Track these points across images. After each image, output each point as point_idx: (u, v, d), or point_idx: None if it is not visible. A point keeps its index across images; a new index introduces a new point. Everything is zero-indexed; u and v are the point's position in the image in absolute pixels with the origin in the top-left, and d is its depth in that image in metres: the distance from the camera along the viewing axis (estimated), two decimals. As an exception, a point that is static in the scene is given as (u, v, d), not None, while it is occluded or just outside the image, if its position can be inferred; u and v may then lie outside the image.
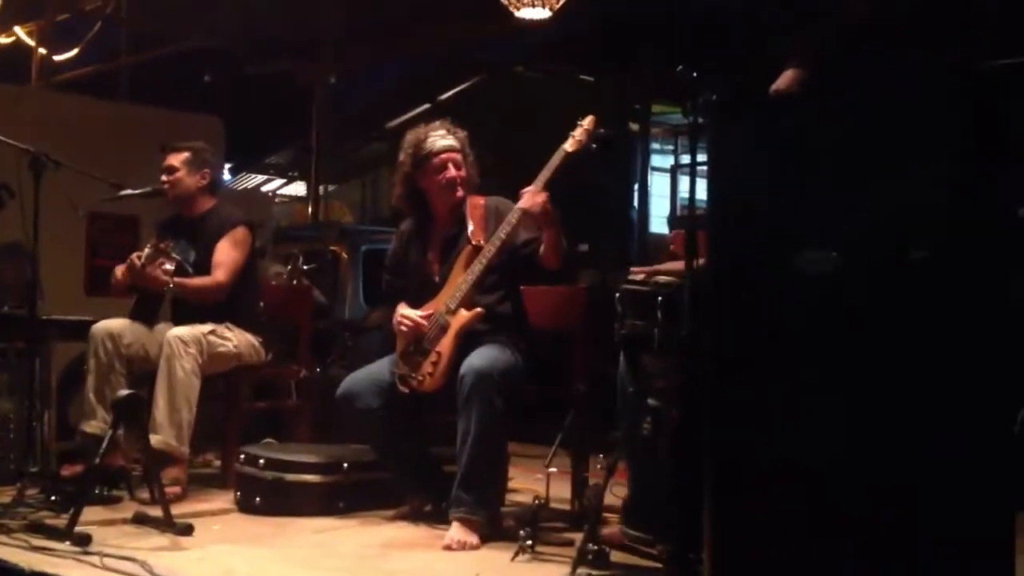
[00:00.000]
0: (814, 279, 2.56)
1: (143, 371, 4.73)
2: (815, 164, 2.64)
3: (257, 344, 4.95)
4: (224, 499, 4.55)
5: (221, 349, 4.74)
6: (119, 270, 4.78)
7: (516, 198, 4.12)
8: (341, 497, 4.37)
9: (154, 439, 4.34)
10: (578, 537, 3.49)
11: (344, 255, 8.05)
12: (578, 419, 4.31)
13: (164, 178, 4.96)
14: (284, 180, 16.62)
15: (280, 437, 5.31)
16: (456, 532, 3.82)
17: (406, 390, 4.09)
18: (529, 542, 3.56)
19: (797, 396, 2.58)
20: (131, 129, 6.83)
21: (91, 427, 4.60)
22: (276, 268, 7.19)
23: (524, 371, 4.09)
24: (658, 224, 9.80)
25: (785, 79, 3.26)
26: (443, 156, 4.25)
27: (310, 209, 11.03)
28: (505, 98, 11.82)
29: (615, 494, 3.71)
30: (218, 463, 5.12)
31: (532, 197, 3.97)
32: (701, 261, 2.94)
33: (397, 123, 12.34)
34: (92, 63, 10.00)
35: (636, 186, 9.67)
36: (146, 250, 4.59)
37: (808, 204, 2.63)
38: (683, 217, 8.49)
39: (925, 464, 2.42)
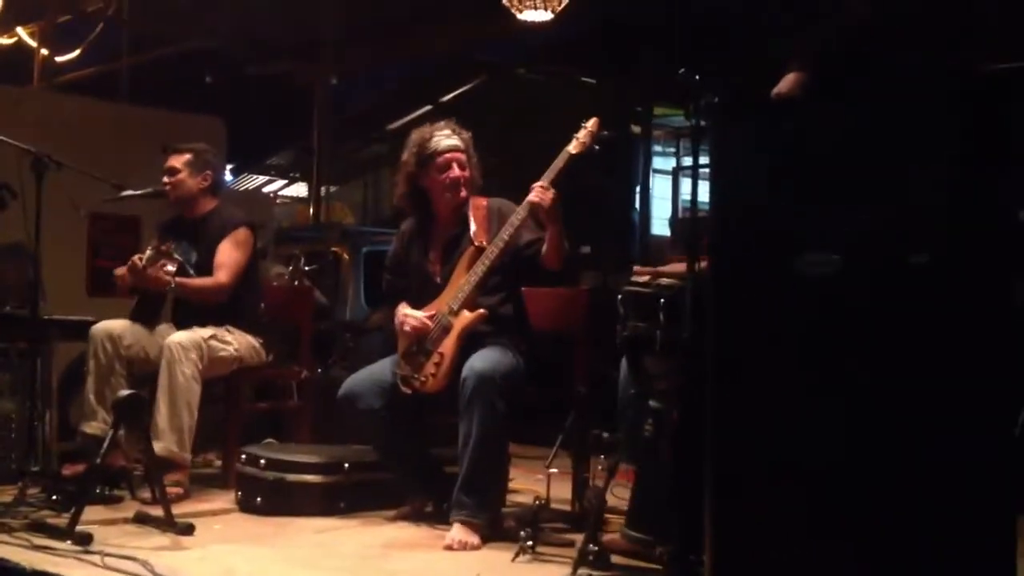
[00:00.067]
0: (815, 282, 2.57)
1: (143, 372, 4.74)
2: (816, 167, 2.64)
3: (258, 346, 4.95)
4: (225, 499, 4.56)
5: (222, 353, 4.74)
6: (120, 272, 4.78)
7: (517, 199, 4.13)
8: (342, 497, 4.37)
9: (156, 446, 4.34)
10: (579, 538, 3.50)
11: (345, 256, 8.05)
12: (579, 420, 4.32)
13: (166, 179, 4.97)
14: (285, 181, 16.62)
15: (281, 437, 5.32)
16: (457, 532, 3.83)
17: (408, 391, 4.09)
18: (530, 543, 3.57)
19: (798, 398, 2.59)
20: (133, 130, 6.83)
21: (91, 428, 4.61)
22: (277, 269, 7.20)
23: (525, 373, 4.10)
24: (659, 226, 9.80)
25: (786, 82, 3.26)
26: (447, 156, 4.25)
27: (311, 210, 11.04)
28: (506, 100, 11.82)
29: (616, 495, 3.72)
30: (219, 463, 5.12)
31: (543, 192, 3.97)
32: (703, 263, 2.95)
33: (398, 124, 12.36)
34: (93, 64, 9.99)
35: (638, 188, 9.67)
36: (147, 251, 4.59)
37: (809, 207, 2.63)
38: (685, 219, 8.51)
39: (926, 466, 2.42)
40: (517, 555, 3.57)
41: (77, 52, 9.80)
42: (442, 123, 4.34)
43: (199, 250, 4.91)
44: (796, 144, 2.68)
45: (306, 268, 6.77)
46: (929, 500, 2.41)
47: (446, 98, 12.28)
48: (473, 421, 3.87)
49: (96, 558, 3.42)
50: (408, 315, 4.18)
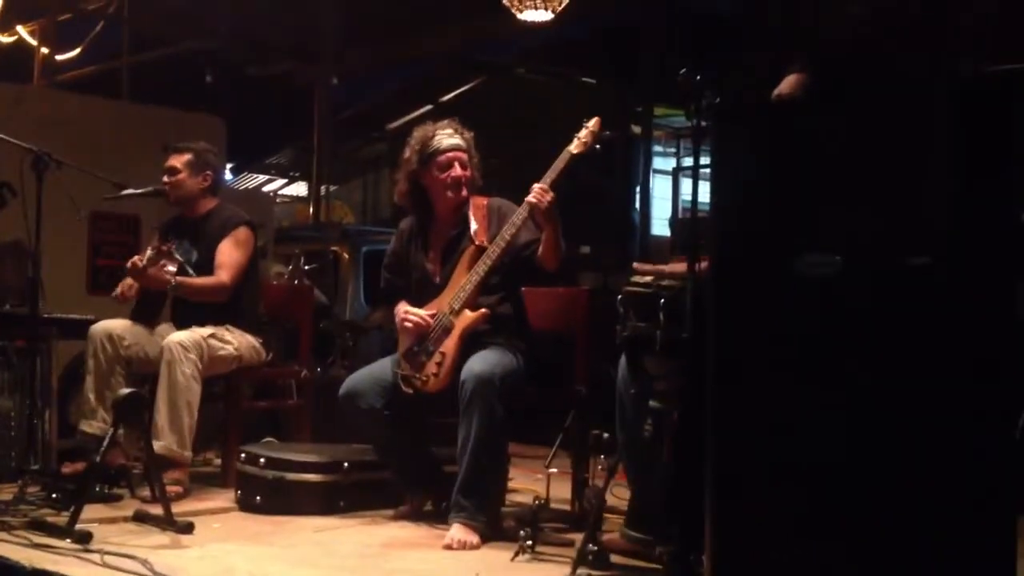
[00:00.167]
0: (815, 282, 2.57)
1: (143, 372, 4.74)
2: (817, 168, 2.64)
3: (258, 345, 4.95)
4: (225, 498, 4.56)
5: (222, 353, 4.74)
6: (124, 285, 4.77)
7: (517, 199, 4.13)
8: (341, 496, 4.37)
9: (156, 445, 4.34)
10: (578, 537, 3.50)
11: (345, 255, 8.07)
12: (579, 420, 4.32)
13: (166, 179, 4.97)
14: (285, 180, 16.62)
15: (281, 436, 5.32)
16: (457, 532, 3.83)
17: (409, 391, 4.09)
18: (529, 542, 3.57)
19: (798, 398, 2.58)
20: (133, 128, 6.84)
21: (91, 427, 4.61)
22: (277, 268, 7.22)
23: (524, 373, 4.10)
24: (660, 227, 9.80)
25: (788, 83, 3.26)
26: (449, 154, 4.25)
27: (311, 209, 11.05)
28: (506, 100, 11.82)
29: (615, 495, 3.72)
30: (219, 462, 5.12)
31: (542, 193, 3.97)
32: (703, 264, 2.95)
33: (398, 124, 12.36)
34: (94, 63, 10.01)
35: (638, 188, 9.66)
36: (148, 251, 4.59)
37: (810, 208, 2.63)
38: (685, 220, 8.51)
39: (926, 467, 2.42)
40: (516, 555, 3.57)
41: (78, 50, 9.82)
42: (445, 122, 4.34)
43: (199, 249, 4.91)
44: (797, 145, 2.68)
45: (306, 267, 6.77)
46: (929, 501, 2.41)
47: (446, 98, 12.29)
48: (472, 423, 3.87)
49: (96, 556, 3.42)
50: (409, 312, 4.18)
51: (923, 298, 2.45)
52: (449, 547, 3.78)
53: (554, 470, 4.39)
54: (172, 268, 4.59)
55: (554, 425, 4.41)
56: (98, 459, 3.92)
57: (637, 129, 9.52)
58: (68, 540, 3.58)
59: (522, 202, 4.06)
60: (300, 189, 15.69)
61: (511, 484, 4.61)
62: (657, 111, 9.79)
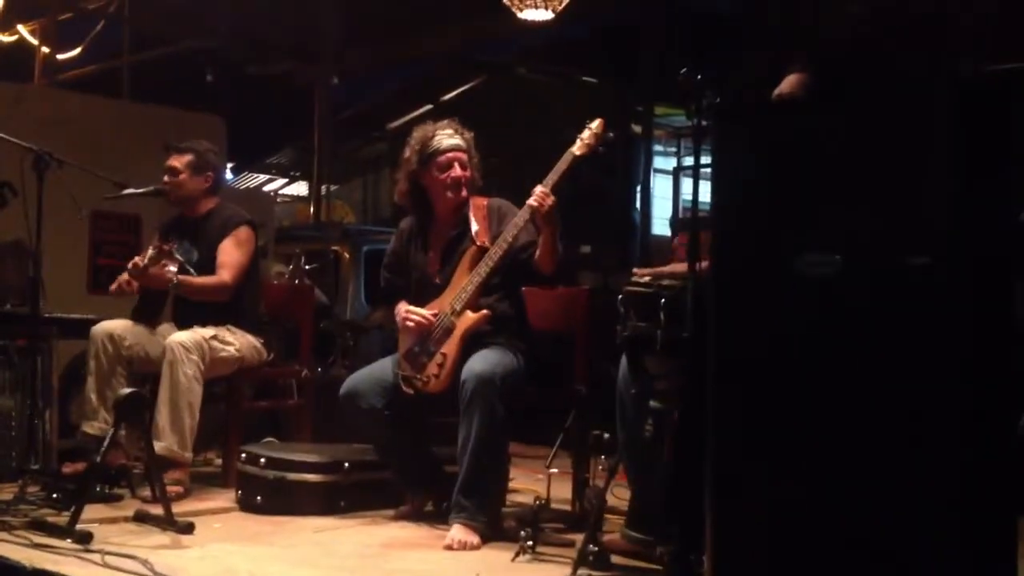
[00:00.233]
0: (815, 282, 2.57)
1: (144, 372, 4.74)
2: (817, 167, 2.64)
3: (259, 345, 4.95)
4: (225, 498, 4.56)
5: (223, 354, 4.74)
6: (123, 278, 4.77)
7: (517, 199, 4.13)
8: (342, 496, 4.38)
9: (157, 446, 4.34)
10: (579, 538, 3.51)
11: (346, 255, 8.07)
12: (579, 421, 4.32)
13: (166, 179, 4.97)
14: (286, 180, 16.61)
15: (281, 436, 5.33)
16: (457, 532, 3.83)
17: (410, 391, 4.09)
18: (530, 542, 3.57)
19: (798, 398, 2.59)
20: (134, 128, 6.84)
21: (92, 428, 4.61)
22: (278, 268, 7.22)
23: (525, 373, 4.10)
24: (660, 226, 9.80)
25: (788, 83, 3.25)
26: (449, 155, 4.25)
27: (312, 209, 11.04)
28: (507, 100, 11.82)
29: (616, 495, 3.72)
30: (219, 462, 5.12)
31: (544, 197, 3.96)
32: (704, 264, 2.95)
33: (399, 124, 12.36)
34: (95, 62, 10.01)
35: (638, 188, 9.67)
36: (149, 251, 4.59)
37: (810, 207, 2.64)
38: (686, 219, 8.50)
39: (926, 468, 2.42)
40: (517, 555, 3.57)
41: (78, 50, 9.82)
42: (445, 122, 4.34)
43: (200, 249, 4.91)
44: (797, 145, 2.68)
45: (306, 267, 6.77)
46: (929, 501, 2.41)
47: (446, 97, 12.29)
48: (472, 424, 3.87)
49: (96, 556, 3.42)
50: (411, 311, 4.18)
51: (923, 298, 2.44)
52: (449, 547, 3.78)
53: (555, 470, 4.39)
54: (173, 268, 4.59)
55: (555, 425, 4.40)
56: (99, 459, 3.92)
57: (638, 128, 9.52)
58: (69, 540, 3.59)
59: (523, 203, 4.06)
60: (301, 189, 15.68)
61: (512, 484, 4.61)
62: (657, 110, 9.79)
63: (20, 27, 9.71)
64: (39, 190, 4.40)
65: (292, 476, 4.35)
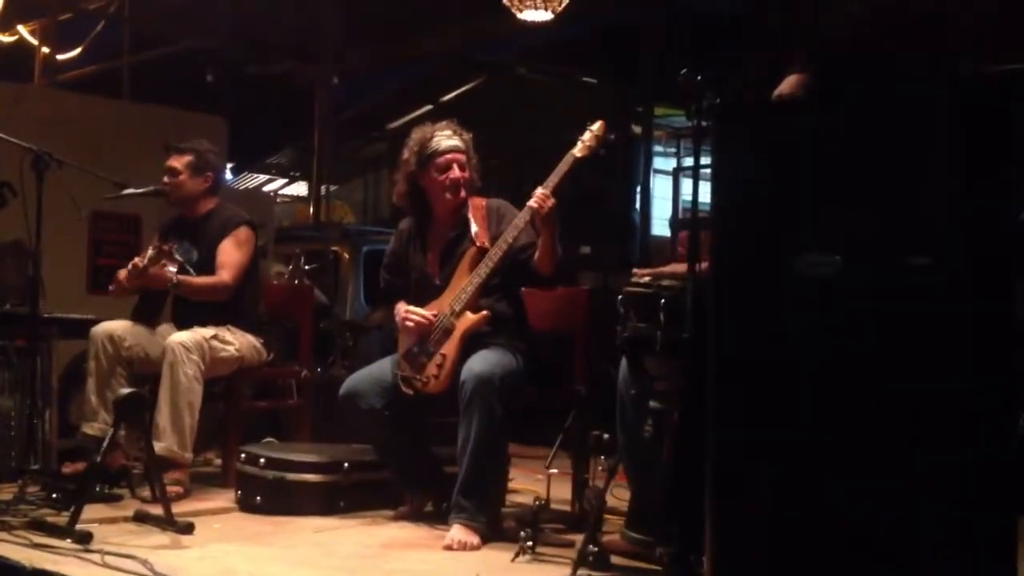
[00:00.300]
0: (816, 282, 2.57)
1: (144, 372, 4.74)
2: (817, 168, 2.64)
3: (259, 345, 4.95)
4: (225, 498, 4.56)
5: (223, 354, 4.74)
6: (122, 275, 4.77)
7: (517, 199, 4.12)
8: (341, 497, 4.37)
9: (157, 446, 4.34)
10: (578, 538, 3.50)
11: (345, 255, 8.07)
12: (579, 421, 4.32)
13: (166, 179, 4.97)
14: (286, 180, 16.62)
15: (281, 436, 5.32)
16: (457, 532, 3.83)
17: (410, 392, 4.09)
18: (530, 543, 3.57)
19: (798, 398, 2.58)
20: (134, 128, 6.84)
21: (92, 429, 4.61)
22: (278, 268, 7.22)
23: (524, 374, 4.10)
24: (660, 227, 9.80)
25: (788, 83, 3.26)
26: (448, 156, 4.25)
27: (311, 209, 11.04)
28: (506, 100, 11.82)
29: (616, 496, 3.72)
30: (219, 462, 5.12)
31: (544, 199, 3.96)
32: (704, 264, 2.95)
33: (399, 124, 12.36)
34: (95, 62, 10.01)
35: (638, 189, 9.67)
36: (149, 252, 4.59)
37: (810, 207, 2.63)
38: (686, 220, 8.51)
39: (926, 468, 2.42)
40: (517, 555, 3.57)
41: (78, 50, 9.82)
42: (443, 123, 4.33)
43: (200, 249, 4.90)
44: (797, 145, 2.68)
45: (306, 267, 6.77)
46: (929, 501, 2.41)
47: (446, 98, 12.29)
48: (472, 424, 3.87)
49: (96, 556, 3.42)
50: (410, 311, 4.17)
51: (923, 298, 2.44)
52: (449, 548, 3.78)
53: (554, 471, 4.39)
54: (173, 268, 4.59)
55: (554, 425, 4.40)
56: (99, 459, 3.92)
57: (637, 129, 9.52)
58: (68, 540, 3.58)
59: (523, 203, 4.05)
60: (300, 189, 15.68)
61: (511, 485, 4.61)
62: (657, 111, 9.79)
63: (20, 27, 9.71)
64: (39, 190, 4.39)
65: (292, 476, 4.34)
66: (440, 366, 4.05)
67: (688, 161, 10.23)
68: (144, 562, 3.34)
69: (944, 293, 2.43)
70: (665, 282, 3.25)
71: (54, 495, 4.12)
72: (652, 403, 3.28)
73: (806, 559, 2.55)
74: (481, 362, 3.95)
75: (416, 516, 4.29)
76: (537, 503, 3.82)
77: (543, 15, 7.12)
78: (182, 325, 4.78)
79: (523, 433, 4.69)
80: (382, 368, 4.23)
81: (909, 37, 3.10)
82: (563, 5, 7.06)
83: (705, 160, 2.98)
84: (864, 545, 2.46)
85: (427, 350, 4.09)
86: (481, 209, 4.27)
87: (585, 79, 11.07)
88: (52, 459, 4.70)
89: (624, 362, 3.56)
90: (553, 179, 4.02)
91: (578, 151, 4.06)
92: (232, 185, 13.14)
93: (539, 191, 3.98)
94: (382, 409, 4.12)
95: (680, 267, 3.19)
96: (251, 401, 5.24)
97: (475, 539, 3.82)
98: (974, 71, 2.73)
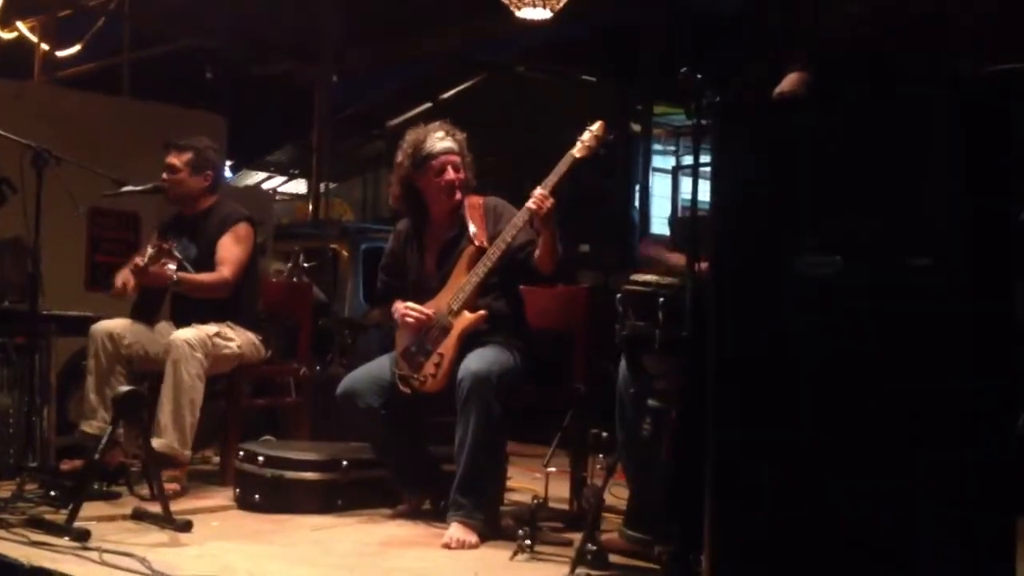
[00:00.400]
0: (815, 282, 2.57)
1: (143, 370, 4.74)
2: (817, 167, 2.64)
3: (258, 342, 4.95)
4: (223, 496, 4.56)
5: (226, 351, 4.74)
6: (121, 279, 4.76)
7: (516, 197, 4.12)
8: (340, 495, 4.37)
9: (157, 442, 4.34)
10: (577, 537, 3.50)
11: (344, 253, 8.07)
12: (577, 419, 4.32)
13: (165, 177, 4.95)
14: (285, 178, 16.60)
15: (279, 434, 5.31)
16: (455, 531, 3.83)
17: (407, 391, 4.09)
18: (528, 541, 3.58)
19: (798, 398, 2.58)
20: (133, 125, 6.83)
21: (92, 427, 4.60)
22: (277, 265, 7.22)
23: (522, 372, 4.09)
24: (659, 225, 9.81)
25: (788, 82, 3.26)
26: (442, 159, 4.23)
27: (311, 207, 11.04)
28: (506, 99, 11.82)
29: (614, 495, 3.72)
30: (217, 460, 5.12)
31: (542, 200, 3.95)
32: (703, 263, 2.95)
33: (398, 122, 12.36)
34: (94, 59, 10.00)
35: (637, 187, 9.67)
36: (149, 250, 4.59)
37: (810, 207, 2.63)
38: (684, 218, 8.51)
39: (926, 468, 2.42)
40: (515, 554, 3.57)
41: (78, 47, 9.81)
42: (436, 124, 4.32)
43: (199, 245, 4.90)
44: (797, 145, 2.68)
45: (305, 265, 6.77)
46: (929, 501, 2.41)
47: (446, 97, 12.29)
48: (469, 421, 3.87)
49: (94, 554, 3.42)
50: (409, 307, 4.17)
51: (923, 298, 2.44)
52: (447, 546, 3.78)
53: (553, 469, 4.39)
54: (172, 266, 4.59)
55: (553, 424, 4.40)
56: (97, 457, 3.91)
57: (637, 127, 9.53)
58: (66, 538, 3.58)
59: (522, 202, 4.05)
60: (300, 187, 15.67)
61: (510, 483, 4.61)
62: (657, 109, 9.80)
63: (20, 24, 9.70)
64: (38, 187, 4.39)
65: (290, 474, 4.34)
66: (438, 365, 4.04)
67: (687, 160, 10.24)
68: (142, 560, 3.34)
69: (944, 293, 2.43)
70: (664, 280, 3.25)
71: (52, 493, 4.10)
72: (651, 402, 3.28)
73: (806, 559, 2.55)
74: (478, 360, 3.95)
75: (414, 514, 4.28)
76: (535, 502, 3.82)
77: (542, 13, 7.12)
78: (181, 323, 4.77)
79: (522, 432, 4.69)
80: (380, 366, 4.23)
81: (909, 37, 3.10)
82: (562, 3, 7.06)
83: (705, 159, 2.97)
84: (864, 545, 2.46)
85: (425, 349, 4.09)
86: (478, 208, 4.27)
87: (585, 78, 11.07)
88: (50, 456, 4.70)
89: (624, 361, 3.55)
90: (552, 179, 4.02)
91: (577, 151, 4.05)
92: (231, 183, 13.14)
93: (537, 191, 3.98)
94: (379, 408, 4.12)
95: (683, 257, 3.18)
96: (250, 399, 5.24)
97: (473, 538, 3.82)
98: (974, 71, 2.73)
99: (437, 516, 4.12)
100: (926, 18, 3.11)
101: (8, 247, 5.02)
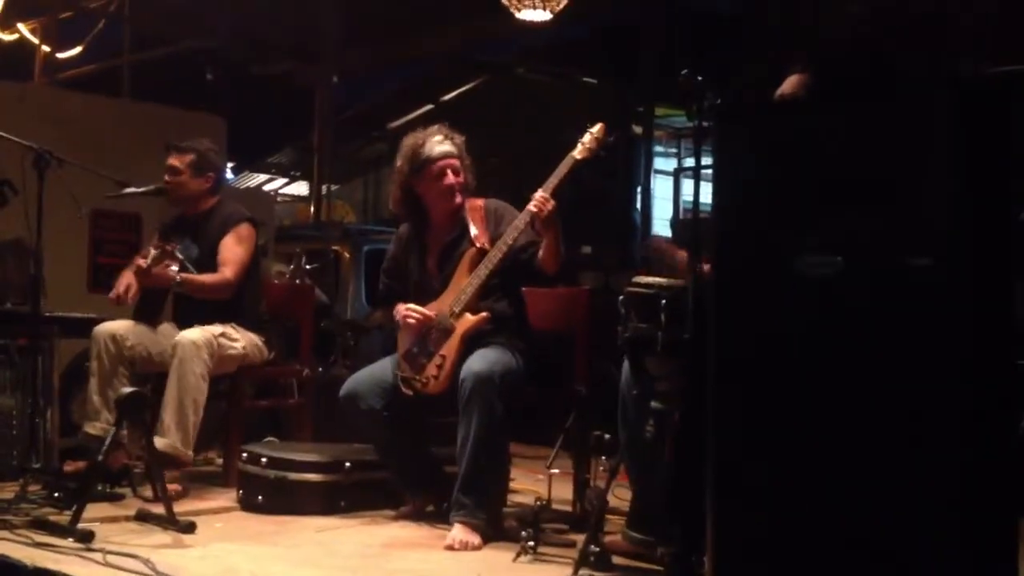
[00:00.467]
0: (816, 283, 2.57)
1: (146, 371, 4.75)
2: (818, 168, 2.64)
3: (261, 343, 4.95)
4: (226, 497, 4.56)
5: (230, 351, 4.75)
6: (122, 282, 4.77)
7: (517, 198, 4.12)
8: (343, 496, 4.38)
9: (161, 442, 4.35)
10: (580, 538, 3.51)
11: (346, 254, 8.08)
12: (580, 421, 4.32)
13: (167, 178, 4.96)
14: (287, 179, 16.61)
15: (282, 436, 5.32)
16: (458, 532, 3.83)
17: (410, 392, 4.09)
18: (531, 543, 3.58)
19: (799, 399, 2.59)
20: (134, 127, 6.83)
21: (95, 429, 4.61)
22: (278, 267, 7.22)
23: (524, 373, 4.10)
24: (661, 227, 9.81)
25: (790, 83, 3.26)
26: (441, 163, 4.23)
27: (312, 208, 11.05)
28: (506, 100, 11.82)
29: (617, 496, 3.72)
30: (220, 461, 5.13)
31: (544, 202, 3.96)
32: (704, 264, 2.96)
33: (399, 124, 12.36)
34: (95, 61, 10.02)
35: (639, 189, 9.67)
36: (151, 252, 4.59)
37: (810, 208, 2.64)
38: (686, 220, 8.52)
39: (926, 468, 2.42)
40: (518, 555, 3.57)
41: (79, 49, 9.83)
42: (435, 127, 4.31)
43: (200, 246, 4.91)
44: (797, 145, 2.68)
45: (307, 266, 6.77)
46: (929, 501, 2.41)
47: (447, 97, 12.30)
48: (471, 422, 3.88)
49: (98, 556, 3.43)
50: (411, 308, 4.17)
51: (923, 298, 2.45)
52: (450, 547, 3.78)
53: (555, 471, 4.39)
54: (175, 267, 4.59)
55: (555, 425, 4.40)
56: (100, 458, 3.92)
57: (638, 129, 9.53)
58: (70, 539, 3.59)
59: (522, 203, 4.05)
60: (301, 188, 15.68)
61: (512, 485, 4.61)
62: (658, 111, 9.79)
63: (21, 26, 9.71)
64: (40, 189, 4.40)
65: (293, 476, 4.35)
66: (440, 367, 4.05)
67: (689, 161, 10.23)
68: (146, 561, 3.34)
69: (944, 293, 2.43)
70: (665, 282, 3.25)
71: (56, 494, 4.12)
72: (653, 403, 3.28)
73: (807, 559, 2.55)
74: (480, 360, 3.95)
75: (417, 516, 4.29)
76: (538, 503, 3.82)
77: (542, 15, 7.12)
78: (183, 324, 4.78)
79: (524, 433, 4.70)
80: (383, 368, 4.23)
81: (909, 37, 3.11)
82: (562, 5, 7.06)
83: (706, 160, 2.98)
84: (864, 545, 2.46)
85: (427, 351, 4.09)
86: (479, 210, 4.27)
87: (585, 79, 11.06)
88: (54, 458, 4.71)
89: (626, 362, 3.56)
90: (552, 181, 4.02)
91: (577, 153, 4.05)
92: (232, 184, 13.15)
93: (538, 194, 3.98)
94: (382, 410, 4.13)
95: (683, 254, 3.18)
96: (252, 400, 5.24)
97: (476, 539, 3.83)
98: (974, 71, 2.74)
99: (440, 517, 4.12)
100: (926, 18, 3.12)
101: (10, 249, 5.02)
